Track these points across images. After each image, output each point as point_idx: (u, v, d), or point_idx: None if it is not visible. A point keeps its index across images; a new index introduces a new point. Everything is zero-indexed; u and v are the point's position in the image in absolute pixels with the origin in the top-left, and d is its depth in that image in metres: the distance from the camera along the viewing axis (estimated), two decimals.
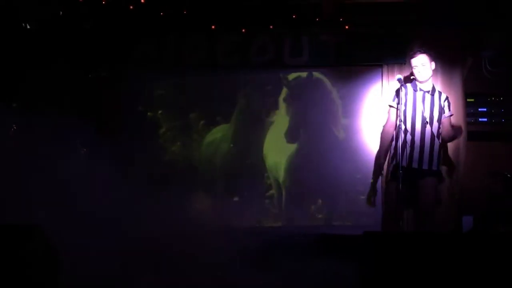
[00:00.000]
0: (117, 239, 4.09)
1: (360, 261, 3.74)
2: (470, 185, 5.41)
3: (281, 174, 5.81)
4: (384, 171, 5.16)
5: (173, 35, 5.86)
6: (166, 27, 5.79)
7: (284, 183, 5.80)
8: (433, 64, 4.94)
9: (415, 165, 4.81)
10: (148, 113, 5.95)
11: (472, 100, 5.64)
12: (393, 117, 5.00)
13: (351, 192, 5.68)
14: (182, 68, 5.92)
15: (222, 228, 4.84)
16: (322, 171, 5.69)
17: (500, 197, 5.07)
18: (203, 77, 5.98)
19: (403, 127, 4.87)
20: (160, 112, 6.02)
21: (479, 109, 5.67)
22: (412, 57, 4.91)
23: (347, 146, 5.74)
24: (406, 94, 4.91)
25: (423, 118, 4.86)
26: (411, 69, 4.98)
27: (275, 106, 5.92)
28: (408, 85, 4.99)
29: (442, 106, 4.93)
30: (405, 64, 5.30)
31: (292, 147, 5.83)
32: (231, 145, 5.92)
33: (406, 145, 4.85)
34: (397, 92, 4.95)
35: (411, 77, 5.06)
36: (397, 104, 4.94)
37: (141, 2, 5.68)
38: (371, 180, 5.07)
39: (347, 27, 5.70)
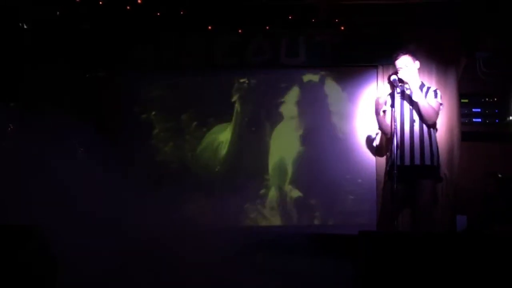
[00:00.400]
0: (115, 239, 4.10)
1: (355, 261, 3.76)
2: (464, 185, 5.44)
3: (280, 175, 5.83)
4: None
5: (171, 36, 5.88)
6: (164, 27, 5.80)
7: (283, 184, 5.82)
8: (417, 63, 5.08)
9: (407, 162, 4.88)
10: (146, 113, 5.94)
11: (466, 100, 5.68)
12: (388, 119, 5.09)
13: (347, 192, 5.69)
14: (180, 69, 5.94)
15: (219, 228, 4.86)
16: (319, 172, 5.73)
17: (493, 197, 5.11)
18: (201, 78, 5.98)
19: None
20: (157, 112, 6.02)
21: (473, 110, 5.70)
22: (396, 59, 5.05)
23: (342, 146, 5.76)
24: (393, 95, 5.03)
25: (411, 115, 4.93)
26: (397, 72, 5.08)
27: (274, 106, 5.93)
28: (396, 89, 5.09)
29: (429, 96, 5.02)
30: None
31: (291, 147, 5.85)
32: (230, 145, 5.93)
33: (397, 144, 4.91)
34: (391, 95, 5.09)
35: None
36: (390, 107, 5.03)
37: (138, 3, 5.68)
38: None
39: (343, 28, 5.73)
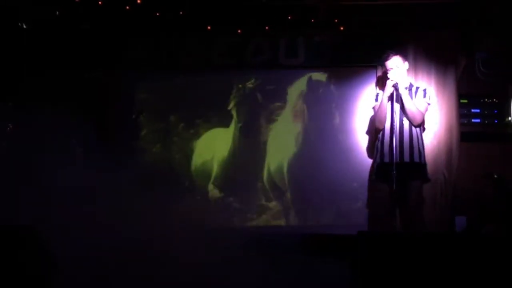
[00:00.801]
0: (112, 240, 4.11)
1: (353, 261, 3.77)
2: (463, 186, 5.44)
3: (278, 175, 5.83)
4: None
5: (170, 36, 5.89)
6: (163, 28, 5.80)
7: (282, 184, 5.82)
8: (406, 64, 5.08)
9: (396, 159, 4.88)
10: (145, 113, 5.93)
11: (466, 101, 5.67)
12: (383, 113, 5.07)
13: (345, 192, 5.69)
14: (179, 69, 5.94)
15: (218, 229, 4.87)
16: (318, 172, 5.73)
17: (490, 197, 5.11)
18: (200, 78, 5.98)
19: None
20: (157, 112, 6.02)
21: (472, 110, 5.70)
22: (386, 60, 5.04)
23: (342, 147, 5.76)
24: (392, 97, 5.02)
25: (401, 114, 4.93)
26: (386, 71, 5.07)
27: (273, 107, 5.93)
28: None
29: (418, 96, 5.02)
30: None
31: (290, 148, 5.85)
32: (229, 145, 5.94)
33: (387, 142, 4.91)
34: (382, 92, 5.10)
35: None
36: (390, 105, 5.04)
37: (138, 3, 5.69)
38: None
39: (342, 28, 5.73)
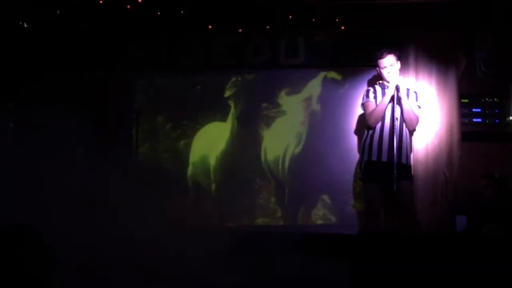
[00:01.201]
0: (112, 240, 4.11)
1: (353, 261, 3.77)
2: (464, 185, 5.44)
3: (278, 174, 5.83)
4: None
5: (170, 36, 5.89)
6: (163, 28, 5.81)
7: (281, 183, 5.82)
8: (398, 64, 5.03)
9: (384, 158, 4.86)
10: (145, 113, 5.92)
11: (467, 100, 5.66)
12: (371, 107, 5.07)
13: (346, 191, 5.69)
14: (179, 69, 5.95)
15: (215, 228, 4.87)
16: (317, 171, 5.73)
17: (491, 197, 5.11)
18: (200, 78, 5.98)
19: None
20: (156, 112, 6.03)
21: (473, 110, 5.69)
22: (381, 58, 4.99)
23: (341, 147, 5.75)
24: (375, 94, 5.03)
25: (392, 115, 4.90)
26: (379, 70, 5.04)
27: (273, 107, 5.93)
28: (376, 86, 5.11)
29: (410, 98, 4.99)
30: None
31: (289, 147, 5.84)
32: (228, 144, 5.93)
33: (376, 141, 4.91)
34: (373, 89, 5.09)
35: (379, 81, 5.14)
36: (374, 98, 5.03)
37: (138, 2, 5.69)
38: None
39: (343, 28, 5.73)
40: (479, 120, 5.69)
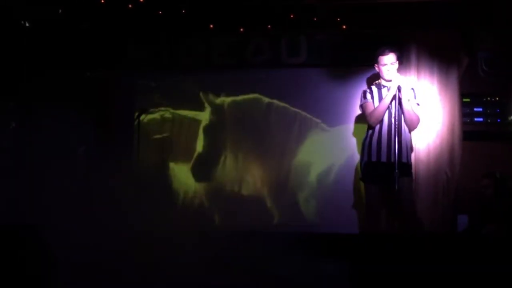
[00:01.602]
0: (112, 240, 4.11)
1: (354, 261, 3.77)
2: (466, 185, 5.43)
3: (277, 174, 5.83)
4: None
5: (170, 36, 5.90)
6: (164, 27, 5.82)
7: (281, 182, 5.82)
8: (397, 64, 5.01)
9: (383, 159, 4.85)
10: (145, 113, 5.93)
11: (468, 100, 5.66)
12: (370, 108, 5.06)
13: (347, 191, 5.68)
14: (179, 69, 5.95)
15: (215, 230, 4.87)
16: (317, 171, 5.74)
17: (492, 197, 5.10)
18: (201, 77, 5.98)
19: None
20: (156, 111, 6.04)
21: (475, 109, 5.68)
22: (383, 55, 4.97)
23: (342, 146, 5.75)
24: (372, 95, 5.03)
25: (389, 113, 4.89)
26: (377, 67, 5.02)
27: (274, 106, 5.92)
28: (373, 86, 5.09)
29: (407, 97, 4.94)
30: (402, 64, 5.28)
31: (290, 146, 5.84)
32: (227, 144, 5.94)
33: (375, 141, 4.90)
34: (370, 89, 5.08)
35: (375, 81, 5.13)
36: (371, 99, 5.02)
37: (140, 1, 5.69)
38: None
39: (344, 27, 5.73)
40: (481, 119, 5.68)
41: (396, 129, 4.80)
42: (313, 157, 5.79)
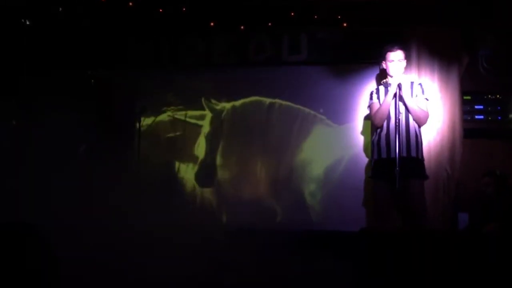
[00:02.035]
0: (112, 239, 4.12)
1: (354, 259, 3.76)
2: (466, 183, 5.43)
3: (278, 172, 5.83)
4: None
5: (171, 34, 5.90)
6: (164, 25, 5.82)
7: (281, 181, 5.83)
8: (405, 62, 4.99)
9: (393, 154, 4.81)
10: (146, 111, 5.93)
11: (469, 97, 5.65)
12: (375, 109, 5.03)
13: (348, 189, 5.67)
14: (180, 67, 5.96)
15: (216, 228, 4.88)
16: (318, 169, 5.75)
17: (492, 195, 5.10)
18: (201, 76, 5.99)
19: None
20: (158, 110, 6.05)
21: (476, 107, 5.67)
22: (391, 51, 4.93)
23: (343, 144, 5.75)
24: (378, 95, 5.01)
25: (397, 110, 4.86)
26: (385, 63, 4.98)
27: (275, 104, 5.92)
28: (380, 86, 5.07)
29: (415, 92, 4.94)
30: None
31: (291, 145, 5.85)
32: (228, 143, 5.95)
33: (383, 139, 4.89)
34: (376, 90, 5.07)
35: (383, 80, 5.11)
36: (377, 99, 5.01)
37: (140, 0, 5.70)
38: None
39: (345, 25, 5.73)
40: (481, 117, 5.67)
41: (397, 126, 4.77)
42: (317, 155, 5.81)
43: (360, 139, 5.73)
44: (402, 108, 4.84)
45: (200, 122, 6.00)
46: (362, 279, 3.66)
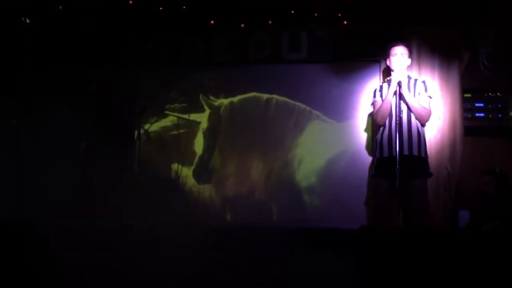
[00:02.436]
0: (113, 238, 4.12)
1: (355, 257, 3.76)
2: (467, 180, 5.43)
3: (279, 171, 5.84)
4: None
5: (171, 32, 5.90)
6: (165, 24, 5.82)
7: (282, 180, 5.83)
8: (409, 60, 4.99)
9: (394, 153, 4.79)
10: (146, 110, 5.93)
11: (469, 95, 5.65)
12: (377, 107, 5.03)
13: (349, 187, 5.67)
14: (180, 65, 5.96)
15: (217, 226, 4.87)
16: (319, 168, 5.74)
17: (492, 194, 5.09)
18: (202, 74, 5.99)
19: None
20: (158, 108, 6.04)
21: (476, 105, 5.67)
22: (395, 46, 4.94)
23: (344, 142, 5.75)
24: (381, 93, 5.00)
25: (398, 108, 4.84)
26: (389, 58, 4.97)
27: (276, 102, 5.92)
28: (384, 84, 5.06)
29: (418, 90, 4.93)
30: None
31: (291, 143, 5.85)
32: (227, 142, 5.95)
33: (385, 137, 4.88)
34: (380, 88, 5.06)
35: (386, 78, 5.10)
36: (380, 97, 5.01)
37: None
38: None
39: (345, 23, 5.72)
40: (482, 115, 5.67)
41: (397, 125, 4.77)
42: (317, 152, 5.81)
43: (360, 137, 5.72)
44: (403, 106, 4.84)
45: (198, 119, 6.00)
46: (362, 278, 3.65)
